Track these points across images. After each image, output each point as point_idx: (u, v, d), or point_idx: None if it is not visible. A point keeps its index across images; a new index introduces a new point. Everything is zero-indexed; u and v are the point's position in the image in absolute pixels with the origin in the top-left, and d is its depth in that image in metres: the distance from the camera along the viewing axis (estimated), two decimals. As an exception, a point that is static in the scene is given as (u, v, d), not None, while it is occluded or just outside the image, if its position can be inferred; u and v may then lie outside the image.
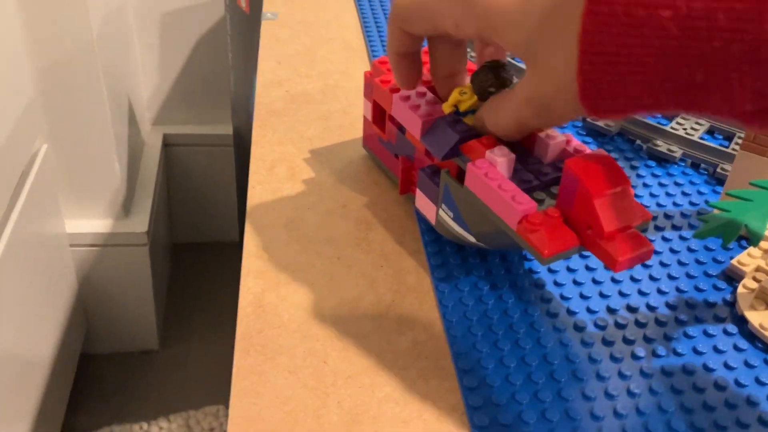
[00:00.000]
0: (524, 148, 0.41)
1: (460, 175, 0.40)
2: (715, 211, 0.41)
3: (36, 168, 1.03)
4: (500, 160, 0.37)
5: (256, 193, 0.47)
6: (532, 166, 0.39)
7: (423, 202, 0.44)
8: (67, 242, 1.19)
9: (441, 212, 0.42)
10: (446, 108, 0.42)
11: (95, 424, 1.26)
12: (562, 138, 0.40)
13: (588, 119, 0.57)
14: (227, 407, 1.29)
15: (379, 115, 0.49)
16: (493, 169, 0.37)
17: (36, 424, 1.05)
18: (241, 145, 1.23)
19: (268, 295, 0.40)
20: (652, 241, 0.46)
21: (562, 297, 0.41)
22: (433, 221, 0.43)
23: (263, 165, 0.50)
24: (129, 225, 1.22)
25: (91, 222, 1.21)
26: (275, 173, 0.50)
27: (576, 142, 0.40)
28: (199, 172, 1.51)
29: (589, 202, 0.34)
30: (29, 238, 1.01)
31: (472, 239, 0.41)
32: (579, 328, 0.39)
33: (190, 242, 1.62)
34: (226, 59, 1.16)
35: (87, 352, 1.35)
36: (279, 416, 0.33)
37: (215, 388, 1.33)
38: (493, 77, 0.40)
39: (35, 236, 1.04)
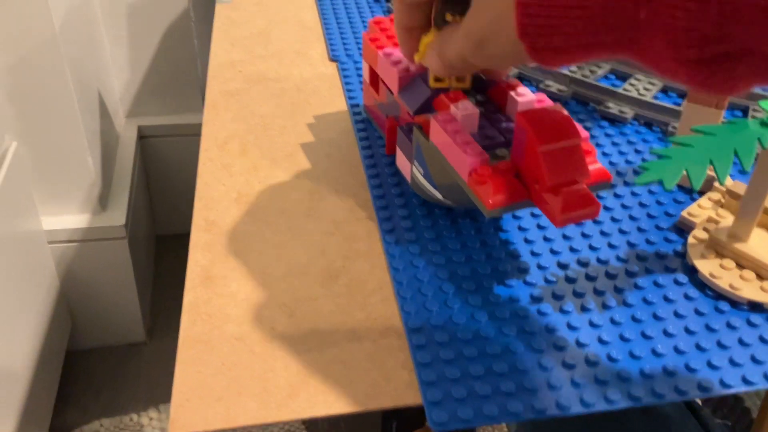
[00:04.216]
0: (496, 105, 0.41)
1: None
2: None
3: (6, 165, 1.03)
4: (462, 113, 0.38)
5: (207, 170, 0.47)
6: (500, 124, 0.39)
7: (401, 161, 0.44)
8: (45, 239, 1.19)
9: (414, 169, 0.42)
10: (418, 57, 0.40)
11: (85, 420, 1.26)
12: (532, 97, 0.40)
13: (534, 67, 0.57)
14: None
15: (375, 76, 0.49)
16: (453, 122, 0.38)
17: (23, 422, 1.05)
18: (215, 133, 1.22)
19: (216, 266, 0.40)
20: (602, 198, 0.46)
21: (513, 255, 0.41)
22: (409, 179, 0.44)
23: (215, 142, 0.50)
24: (106, 219, 1.22)
25: (67, 218, 1.21)
26: (227, 150, 0.50)
27: (549, 102, 0.40)
28: (178, 163, 1.50)
29: (535, 153, 0.33)
30: (5, 237, 1.01)
31: (439, 196, 0.41)
32: (529, 284, 0.40)
33: (173, 233, 1.62)
34: (194, 47, 1.16)
35: (73, 348, 1.35)
36: (224, 382, 0.33)
37: (203, 378, 1.33)
38: (450, 4, 0.38)
39: (11, 235, 1.04)
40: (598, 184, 0.36)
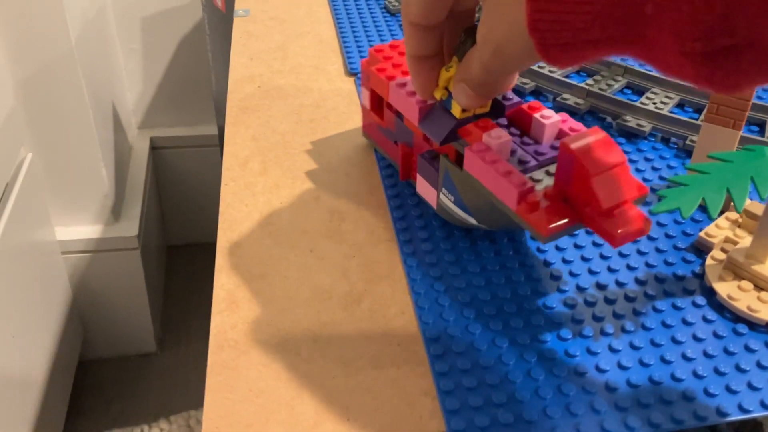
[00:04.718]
0: (521, 130, 0.42)
1: (459, 160, 0.41)
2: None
3: (22, 177, 1.04)
4: (496, 142, 0.38)
5: (229, 190, 0.48)
6: (530, 147, 0.40)
7: (424, 187, 0.45)
8: (59, 250, 1.20)
9: (442, 197, 0.43)
10: (438, 93, 0.40)
11: (96, 429, 1.27)
12: (557, 118, 0.41)
13: (546, 65, 0.58)
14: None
15: (377, 103, 0.49)
16: (490, 152, 0.38)
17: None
18: (227, 144, 1.23)
19: (241, 290, 0.41)
20: (621, 218, 0.46)
21: (532, 278, 0.42)
22: (434, 206, 0.44)
23: (236, 161, 0.51)
24: (119, 230, 1.23)
25: (81, 228, 1.22)
26: (248, 169, 0.50)
27: (572, 121, 0.41)
28: (189, 174, 1.51)
29: (587, 181, 0.34)
30: (19, 247, 1.02)
31: (473, 221, 0.42)
32: (549, 308, 0.40)
33: (184, 244, 1.63)
34: (207, 60, 1.17)
35: (85, 358, 1.36)
36: (252, 409, 0.34)
37: (215, 387, 1.34)
38: (473, 35, 0.37)
39: (25, 245, 1.05)
40: (639, 198, 0.37)
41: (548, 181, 0.38)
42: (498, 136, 0.39)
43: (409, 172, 0.48)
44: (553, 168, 0.39)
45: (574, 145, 0.34)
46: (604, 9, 0.26)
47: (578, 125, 0.41)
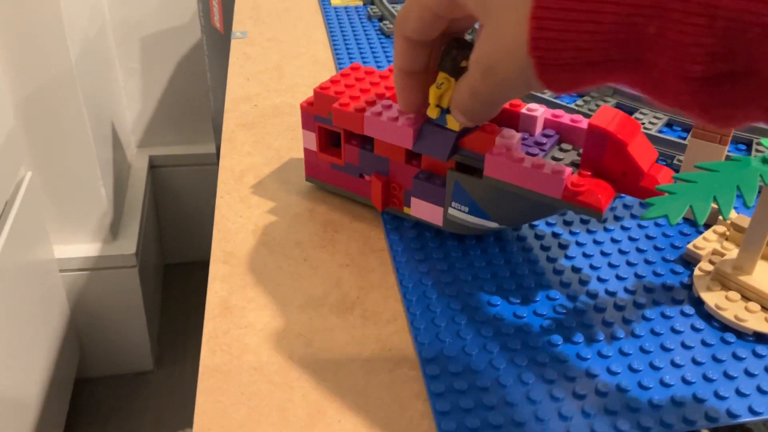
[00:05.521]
0: (506, 126, 0.43)
1: (464, 169, 0.42)
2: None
3: (21, 195, 1.04)
4: (513, 141, 0.40)
5: (224, 202, 0.49)
6: (528, 141, 0.42)
7: (422, 208, 0.45)
8: (57, 268, 1.20)
9: (452, 210, 0.43)
10: (432, 112, 0.41)
11: (92, 448, 1.26)
12: (542, 109, 0.43)
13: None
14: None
15: (327, 142, 0.48)
16: (513, 152, 0.39)
17: (31, 449, 1.05)
18: (225, 163, 1.24)
19: (234, 297, 0.41)
20: (610, 230, 0.47)
21: (522, 287, 0.42)
22: (438, 222, 0.45)
23: (231, 175, 0.52)
24: (117, 248, 1.23)
25: (79, 246, 1.22)
26: (243, 182, 0.51)
27: (550, 110, 0.44)
28: (187, 192, 1.52)
29: (624, 151, 0.38)
30: (18, 265, 1.02)
31: (492, 225, 0.43)
32: (539, 315, 0.41)
33: (181, 262, 1.63)
34: (206, 79, 1.18)
35: (82, 377, 1.35)
36: (244, 411, 0.34)
37: (211, 407, 1.33)
38: (461, 51, 0.38)
39: (24, 263, 1.05)
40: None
41: None
42: (511, 135, 0.40)
43: (389, 200, 0.47)
44: (556, 153, 0.42)
45: (603, 124, 0.38)
46: (607, 29, 0.26)
47: (559, 112, 0.43)
